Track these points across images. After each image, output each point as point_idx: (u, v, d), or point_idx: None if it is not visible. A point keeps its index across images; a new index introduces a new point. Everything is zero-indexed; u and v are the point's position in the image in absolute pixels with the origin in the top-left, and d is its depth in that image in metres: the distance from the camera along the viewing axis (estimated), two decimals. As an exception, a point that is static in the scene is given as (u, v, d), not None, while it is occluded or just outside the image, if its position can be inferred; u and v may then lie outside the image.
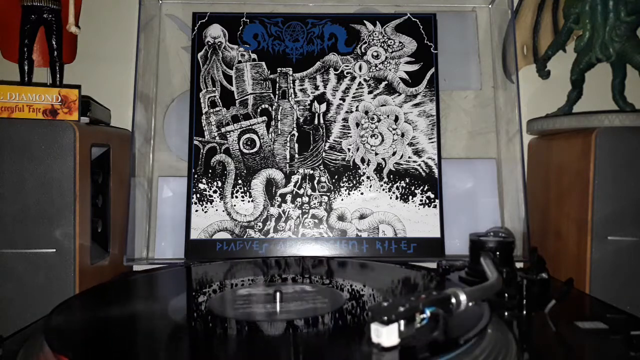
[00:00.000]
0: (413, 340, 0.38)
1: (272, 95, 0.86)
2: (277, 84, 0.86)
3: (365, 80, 0.86)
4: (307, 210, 0.83)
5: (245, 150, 0.84)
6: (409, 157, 0.85)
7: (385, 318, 0.36)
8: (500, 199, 0.87)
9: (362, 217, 0.83)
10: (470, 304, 0.41)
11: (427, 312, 0.38)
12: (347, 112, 0.86)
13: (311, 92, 0.86)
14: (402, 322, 0.36)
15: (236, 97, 0.86)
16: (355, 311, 0.51)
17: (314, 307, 0.51)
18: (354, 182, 0.84)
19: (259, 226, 0.82)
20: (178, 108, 0.89)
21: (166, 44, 0.90)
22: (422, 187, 0.84)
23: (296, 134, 0.85)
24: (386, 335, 0.36)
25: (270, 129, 0.85)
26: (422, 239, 0.82)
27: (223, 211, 0.82)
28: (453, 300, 0.40)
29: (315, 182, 0.84)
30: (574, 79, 0.84)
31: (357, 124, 0.85)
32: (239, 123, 0.85)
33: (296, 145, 0.85)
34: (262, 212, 0.83)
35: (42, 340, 0.43)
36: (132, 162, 0.81)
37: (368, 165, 0.84)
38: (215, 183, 0.83)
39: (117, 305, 0.55)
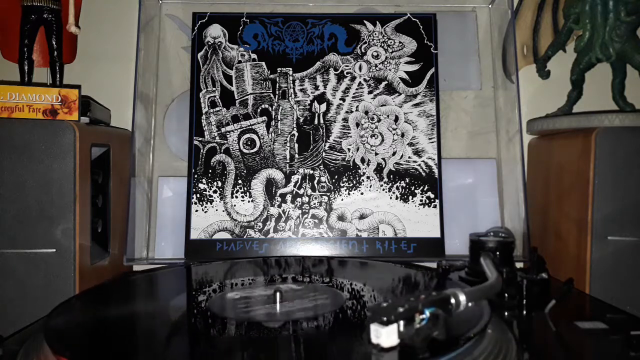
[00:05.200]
0: (412, 341, 0.38)
1: (272, 95, 0.86)
2: (277, 84, 0.86)
3: (365, 80, 0.86)
4: (307, 210, 0.83)
5: (245, 150, 0.84)
6: (409, 157, 0.84)
7: (385, 319, 0.36)
8: (500, 199, 0.87)
9: (362, 217, 0.83)
10: (469, 304, 0.41)
11: (427, 313, 0.38)
12: (347, 112, 0.86)
13: (311, 92, 0.86)
14: (401, 322, 0.36)
15: (236, 97, 0.86)
16: (355, 311, 0.51)
17: (314, 307, 0.51)
18: (354, 182, 0.84)
19: (259, 226, 0.82)
20: (178, 108, 0.89)
21: (166, 44, 0.90)
22: (422, 187, 0.84)
23: (296, 134, 0.85)
24: (385, 335, 0.36)
25: (270, 129, 0.85)
26: (422, 239, 0.82)
27: (223, 211, 0.82)
28: (452, 300, 0.40)
29: (315, 182, 0.83)
30: (574, 79, 0.84)
31: (357, 124, 0.85)
32: (239, 123, 0.85)
33: (296, 145, 0.85)
34: (262, 212, 0.83)
35: (42, 340, 0.43)
36: (132, 162, 0.81)
37: (368, 165, 0.84)
38: (215, 183, 0.83)
39: (117, 306, 0.55)
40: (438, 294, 0.39)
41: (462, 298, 0.41)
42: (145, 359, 0.42)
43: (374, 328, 0.36)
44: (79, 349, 0.42)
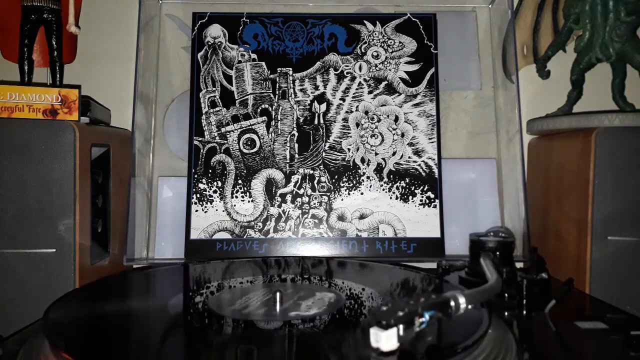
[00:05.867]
0: (412, 345, 0.38)
1: (272, 95, 0.86)
2: (277, 84, 0.86)
3: (365, 80, 0.86)
4: (307, 210, 0.83)
5: (245, 150, 0.84)
6: (409, 157, 0.84)
7: (384, 322, 0.36)
8: (500, 199, 0.87)
9: (362, 217, 0.83)
10: (469, 306, 0.41)
11: (426, 316, 0.38)
12: (347, 112, 0.86)
13: (311, 92, 0.86)
14: (401, 326, 0.36)
15: (236, 97, 0.86)
16: (355, 312, 0.51)
17: (313, 307, 0.51)
18: (354, 182, 0.84)
19: (259, 226, 0.82)
20: (178, 108, 0.89)
21: (166, 44, 0.90)
22: (422, 187, 0.84)
23: (296, 134, 0.85)
24: (385, 339, 0.36)
25: (270, 129, 0.85)
26: (422, 239, 0.82)
27: (223, 211, 0.82)
28: (452, 303, 0.40)
29: (315, 182, 0.83)
30: (574, 79, 0.84)
31: (357, 124, 0.85)
32: (239, 123, 0.85)
33: (296, 145, 0.85)
34: (262, 212, 0.83)
35: (42, 340, 0.43)
36: (132, 162, 0.81)
37: (368, 165, 0.84)
38: (215, 183, 0.83)
39: (116, 302, 0.55)
40: (438, 296, 0.39)
41: (462, 301, 0.40)
42: (144, 354, 0.42)
43: (374, 332, 0.36)
44: (79, 345, 0.42)
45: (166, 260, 0.83)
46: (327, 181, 0.84)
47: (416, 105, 0.86)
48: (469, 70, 0.91)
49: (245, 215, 0.82)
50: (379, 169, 0.84)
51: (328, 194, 0.83)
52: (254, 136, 0.85)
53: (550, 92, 0.90)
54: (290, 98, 0.86)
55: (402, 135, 0.85)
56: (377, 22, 0.88)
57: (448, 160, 0.88)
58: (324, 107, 0.86)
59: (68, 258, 0.65)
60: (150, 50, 0.87)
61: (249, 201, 0.83)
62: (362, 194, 0.84)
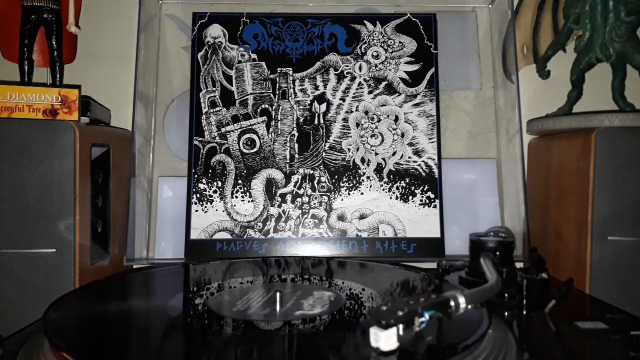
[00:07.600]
0: (412, 344, 0.38)
1: (272, 95, 0.86)
2: (277, 84, 0.86)
3: (365, 80, 0.86)
4: (307, 210, 0.83)
5: (245, 150, 0.84)
6: (409, 157, 0.84)
7: (384, 322, 0.36)
8: (500, 199, 0.87)
9: (362, 217, 0.83)
10: (469, 306, 0.41)
11: (426, 316, 0.38)
12: (347, 112, 0.86)
13: (311, 92, 0.86)
14: (400, 326, 0.36)
15: (236, 97, 0.86)
16: (355, 312, 0.51)
17: (313, 307, 0.51)
18: (354, 182, 0.84)
19: (259, 226, 0.82)
20: (178, 108, 0.89)
21: (166, 44, 0.90)
22: (422, 187, 0.84)
23: (296, 134, 0.85)
24: (385, 339, 0.36)
25: (270, 129, 0.85)
26: (422, 239, 0.82)
27: (223, 211, 0.82)
28: (452, 303, 0.40)
29: (315, 182, 0.84)
30: (574, 79, 0.84)
31: (357, 124, 0.85)
32: (239, 123, 0.85)
33: (296, 145, 0.85)
34: (262, 212, 0.83)
35: (42, 340, 0.43)
36: (132, 162, 0.81)
37: (368, 165, 0.84)
38: (215, 183, 0.83)
39: (115, 302, 0.55)
40: (437, 296, 0.39)
41: (462, 300, 0.40)
42: (144, 354, 0.42)
43: (374, 332, 0.36)
44: (78, 345, 0.42)
45: (166, 260, 0.83)
46: (327, 181, 0.84)
47: (416, 105, 0.86)
48: (469, 70, 0.91)
49: (245, 215, 0.82)
50: (379, 169, 0.84)
51: (328, 194, 0.83)
52: (254, 136, 0.85)
53: (550, 92, 0.90)
54: (290, 98, 0.86)
55: (402, 135, 0.85)
56: (377, 22, 0.88)
57: (448, 160, 0.88)
58: (324, 107, 0.86)
59: (68, 258, 0.65)
60: (150, 50, 0.87)
61: (249, 201, 0.83)
62: (362, 194, 0.84)
